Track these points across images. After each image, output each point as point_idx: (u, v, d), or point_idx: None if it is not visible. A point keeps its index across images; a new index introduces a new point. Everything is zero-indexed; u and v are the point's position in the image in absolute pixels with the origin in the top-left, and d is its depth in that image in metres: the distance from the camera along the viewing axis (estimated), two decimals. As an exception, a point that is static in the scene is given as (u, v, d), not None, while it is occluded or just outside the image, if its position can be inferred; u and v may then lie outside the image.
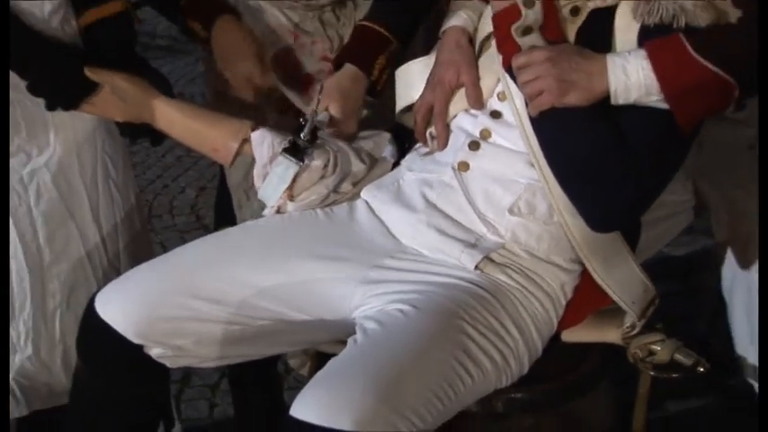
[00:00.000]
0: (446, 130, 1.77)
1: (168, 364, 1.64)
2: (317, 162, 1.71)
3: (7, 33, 1.73)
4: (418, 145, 1.83)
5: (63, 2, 1.86)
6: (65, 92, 1.83)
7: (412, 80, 1.86)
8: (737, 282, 1.97)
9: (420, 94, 1.82)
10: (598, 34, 1.61)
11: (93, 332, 1.63)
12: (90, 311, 1.62)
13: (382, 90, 1.93)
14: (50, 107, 1.79)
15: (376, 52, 1.91)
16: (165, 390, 1.92)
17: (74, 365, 1.86)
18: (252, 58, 1.99)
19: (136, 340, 1.58)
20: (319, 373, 1.41)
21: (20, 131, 1.84)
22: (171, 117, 1.86)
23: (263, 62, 1.98)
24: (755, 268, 1.91)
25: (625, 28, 1.61)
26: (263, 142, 1.76)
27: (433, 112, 1.77)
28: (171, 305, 1.61)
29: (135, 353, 1.60)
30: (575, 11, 1.63)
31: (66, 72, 1.82)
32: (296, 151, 1.74)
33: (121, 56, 1.90)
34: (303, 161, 1.72)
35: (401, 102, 1.87)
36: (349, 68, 1.90)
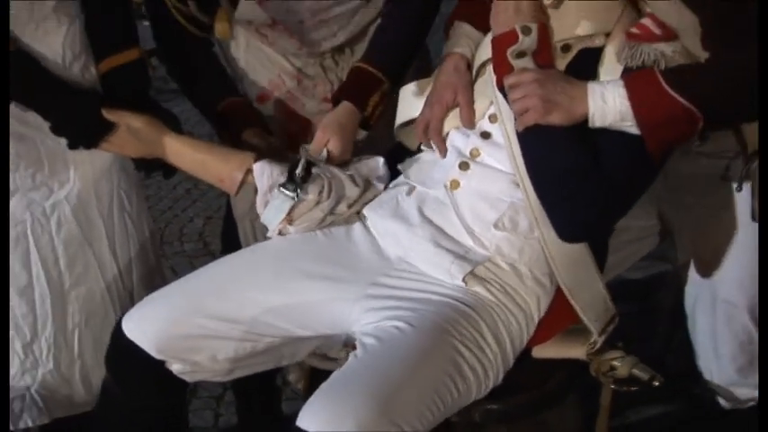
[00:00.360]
0: (443, 141, 1.86)
1: (187, 378, 1.72)
2: (310, 196, 1.78)
3: (7, 36, 1.78)
4: (417, 156, 1.92)
5: (83, 51, 1.94)
6: (85, 132, 1.91)
7: (411, 99, 1.96)
8: (701, 299, 2.00)
9: (417, 111, 1.92)
10: (584, 72, 1.70)
11: (121, 349, 1.72)
12: (117, 331, 1.72)
13: (375, 124, 2.00)
14: (72, 146, 1.88)
15: (370, 91, 2.00)
16: (183, 403, 1.99)
17: (90, 379, 2.00)
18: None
19: (158, 356, 1.67)
20: (324, 385, 1.48)
21: (42, 168, 1.91)
22: (181, 152, 1.94)
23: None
24: (718, 284, 1.95)
25: (610, 69, 1.69)
26: (264, 173, 1.83)
27: (429, 126, 1.86)
28: (189, 325, 1.70)
29: (157, 368, 1.68)
30: (566, 48, 1.73)
31: (86, 114, 1.90)
32: (292, 184, 1.80)
33: (136, 98, 1.97)
34: (298, 194, 1.78)
35: (400, 117, 1.98)
36: (345, 105, 1.98)
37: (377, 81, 1.99)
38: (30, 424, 2.00)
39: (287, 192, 1.79)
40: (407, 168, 1.88)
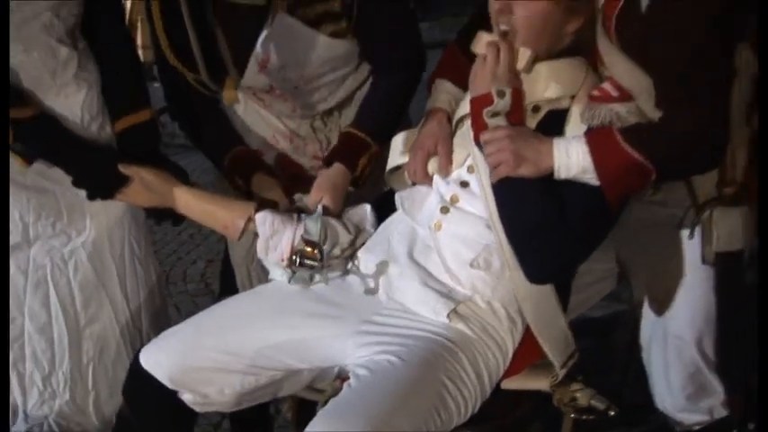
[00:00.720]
0: (429, 180, 1.94)
1: (197, 409, 1.80)
2: (303, 274, 1.86)
3: (7, 39, 1.83)
4: (413, 188, 1.99)
5: (100, 112, 2.05)
6: (102, 185, 1.99)
7: (399, 148, 2.06)
8: (654, 334, 2.03)
9: (404, 158, 2.02)
10: (552, 131, 1.78)
11: (138, 380, 1.80)
12: (135, 363, 1.80)
13: (364, 182, 2.08)
14: (91, 197, 1.97)
15: (359, 154, 2.09)
16: (191, 431, 2.03)
17: (103, 409, 2.07)
18: (282, 199, 2.11)
19: (171, 386, 1.75)
20: (321, 412, 1.56)
21: (62, 218, 2.01)
22: (188, 202, 2.03)
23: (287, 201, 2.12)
24: (670, 321, 1.98)
25: (575, 127, 1.78)
26: (265, 222, 1.92)
27: (412, 171, 1.96)
28: (200, 358, 1.77)
29: (170, 398, 1.76)
30: (536, 108, 1.82)
31: (103, 169, 1.99)
32: (313, 261, 1.85)
33: (148, 154, 2.06)
34: (321, 270, 1.85)
35: (390, 164, 2.07)
36: (338, 166, 2.07)
37: (365, 145, 2.09)
38: (47, 450, 2.01)
39: (308, 267, 1.86)
40: (403, 199, 1.96)
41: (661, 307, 1.97)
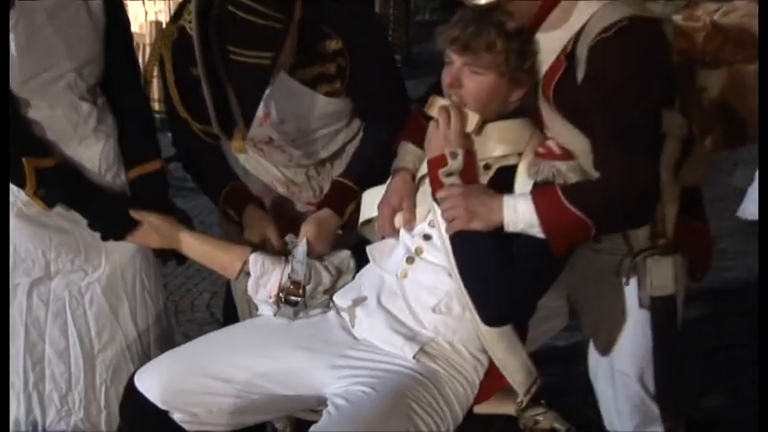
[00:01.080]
0: (396, 232, 2.00)
1: (187, 428, 1.84)
2: (287, 311, 1.96)
3: (7, 41, 1.89)
4: (383, 241, 2.05)
5: (115, 162, 2.17)
6: (115, 228, 2.11)
7: (371, 203, 2.11)
8: (601, 368, 2.06)
9: (375, 212, 2.07)
10: (503, 186, 1.84)
11: (132, 400, 1.89)
12: (130, 384, 1.88)
13: (351, 227, 2.19)
14: (105, 238, 2.09)
15: (347, 201, 2.19)
16: None
17: (113, 426, 2.12)
18: (271, 229, 2.22)
19: (162, 406, 1.82)
20: None
21: (80, 255, 2.12)
22: (191, 245, 2.15)
23: (277, 234, 2.22)
24: (615, 358, 2.01)
25: (523, 183, 1.84)
26: (257, 263, 2.01)
27: (381, 226, 2.03)
28: (190, 382, 1.84)
29: (161, 417, 1.83)
30: (487, 166, 1.89)
31: (116, 214, 2.11)
32: (297, 298, 1.96)
33: (157, 200, 2.18)
34: (305, 309, 1.96)
35: (362, 216, 2.15)
36: (327, 211, 2.17)
37: (353, 193, 2.20)
38: (64, 460, 2.15)
39: (292, 304, 1.96)
40: (373, 251, 2.03)
41: (607, 345, 2.01)
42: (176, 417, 1.84)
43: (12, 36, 1.97)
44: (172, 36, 2.27)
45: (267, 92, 2.18)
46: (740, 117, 1.98)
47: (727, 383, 3.14)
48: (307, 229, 2.11)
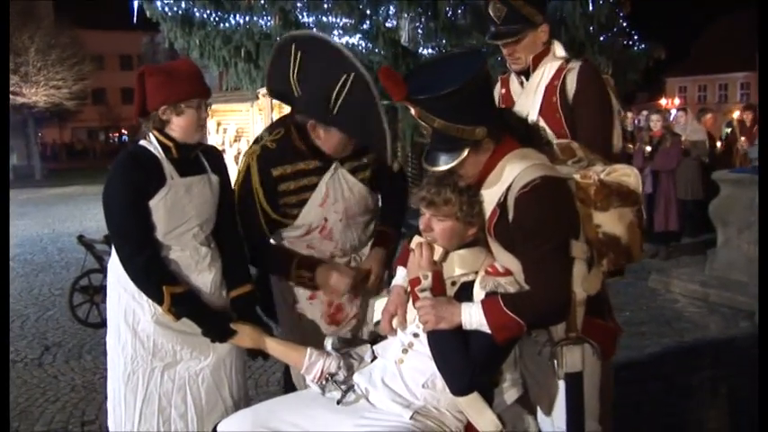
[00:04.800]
0: (394, 332, 2.26)
1: None
2: (336, 393, 2.25)
3: (7, 43, 2.30)
4: (386, 340, 2.30)
5: (221, 285, 2.61)
6: (220, 334, 2.54)
7: (379, 308, 2.39)
8: (545, 423, 2.29)
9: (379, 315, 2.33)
10: (465, 297, 2.10)
11: None
12: (214, 429, 2.31)
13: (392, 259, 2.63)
14: (213, 341, 2.54)
15: (389, 241, 2.73)
16: None
17: None
18: (344, 282, 2.63)
19: None
20: None
21: (196, 349, 2.55)
22: (273, 347, 2.53)
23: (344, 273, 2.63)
24: (553, 414, 2.24)
25: (477, 293, 2.10)
26: (310, 356, 2.37)
27: (382, 327, 2.30)
28: (255, 429, 2.18)
29: None
30: (453, 283, 2.17)
31: (221, 325, 2.54)
32: (341, 384, 2.27)
33: (248, 314, 2.58)
34: (344, 392, 2.24)
35: (375, 319, 2.43)
36: (378, 249, 2.71)
37: (391, 236, 2.73)
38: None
39: (339, 386, 2.25)
40: (378, 347, 2.35)
41: (548, 408, 2.27)
42: None
43: (161, 203, 2.45)
44: (256, 153, 2.68)
45: (328, 179, 2.65)
46: (625, 244, 2.21)
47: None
48: (370, 262, 2.66)
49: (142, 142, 2.55)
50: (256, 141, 2.75)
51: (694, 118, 9.46)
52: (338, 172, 2.64)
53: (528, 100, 2.76)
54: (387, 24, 10.97)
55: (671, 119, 9.72)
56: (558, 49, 2.80)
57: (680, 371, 4.68)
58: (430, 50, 11.16)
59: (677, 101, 38.97)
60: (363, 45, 10.79)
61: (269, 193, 2.62)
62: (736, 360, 4.88)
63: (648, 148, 8.03)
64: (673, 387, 4.37)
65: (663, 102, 36.28)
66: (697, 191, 8.32)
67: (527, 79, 2.82)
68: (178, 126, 2.49)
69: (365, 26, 10.85)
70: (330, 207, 2.63)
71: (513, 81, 2.93)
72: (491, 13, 2.71)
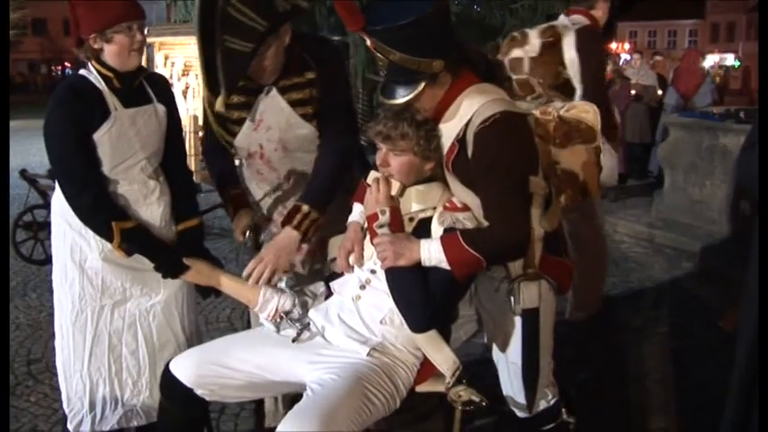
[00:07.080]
0: (351, 269, 2.23)
1: (206, 398, 2.14)
2: (291, 331, 2.18)
3: (7, 42, 2.06)
4: (342, 277, 2.26)
5: (170, 219, 2.52)
6: (171, 270, 2.45)
7: (334, 246, 2.37)
8: (500, 359, 2.30)
9: (335, 252, 2.31)
10: (423, 233, 2.08)
11: (168, 380, 2.19)
12: (167, 369, 2.20)
13: (310, 239, 2.41)
14: (164, 277, 2.45)
15: (302, 220, 2.37)
16: (206, 414, 2.46)
17: None
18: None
19: (188, 385, 2.12)
20: (289, 414, 1.87)
21: (146, 286, 2.50)
22: (225, 283, 2.44)
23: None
24: (508, 353, 2.23)
25: (436, 230, 2.08)
26: (264, 293, 2.30)
27: (339, 264, 2.26)
28: (208, 369, 2.12)
29: (188, 392, 2.14)
30: (410, 219, 2.14)
31: (174, 259, 2.46)
32: (297, 320, 2.21)
33: (197, 248, 2.53)
34: (300, 327, 2.19)
35: (330, 256, 2.42)
36: (287, 230, 2.36)
37: (308, 214, 2.38)
38: (136, 424, 2.54)
39: (294, 323, 2.21)
40: (335, 284, 2.29)
41: (503, 344, 2.27)
42: (198, 392, 2.13)
43: (106, 137, 2.34)
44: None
45: (261, 104, 2.44)
46: (582, 181, 2.22)
47: (592, 365, 3.75)
48: (267, 252, 2.35)
49: (82, 71, 2.45)
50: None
51: (646, 63, 9.47)
52: (270, 95, 2.49)
53: None
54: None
55: (621, 63, 9.73)
56: None
57: (624, 310, 4.76)
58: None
59: (627, 45, 39.12)
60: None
61: (218, 116, 2.51)
62: (678, 300, 4.97)
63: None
64: (616, 326, 4.44)
65: (613, 46, 36.31)
66: (645, 134, 8.39)
67: None
68: (110, 54, 2.38)
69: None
70: (263, 134, 2.52)
71: None
72: None
